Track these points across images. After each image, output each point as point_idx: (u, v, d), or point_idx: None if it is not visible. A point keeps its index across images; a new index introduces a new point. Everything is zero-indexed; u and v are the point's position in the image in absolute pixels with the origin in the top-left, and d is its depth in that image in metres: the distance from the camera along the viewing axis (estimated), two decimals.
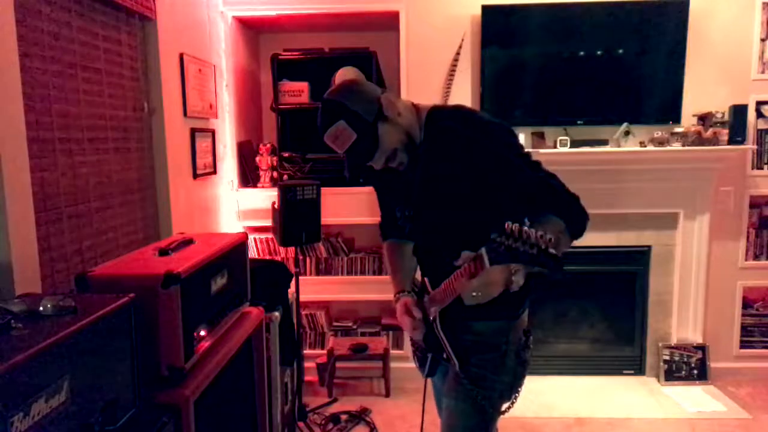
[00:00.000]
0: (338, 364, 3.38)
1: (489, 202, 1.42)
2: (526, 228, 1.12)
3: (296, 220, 2.81)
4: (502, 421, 1.63)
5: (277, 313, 2.43)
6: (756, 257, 3.45)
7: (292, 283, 2.90)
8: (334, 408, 3.18)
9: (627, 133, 3.17)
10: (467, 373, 1.57)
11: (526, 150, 1.50)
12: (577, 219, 1.40)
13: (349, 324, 3.64)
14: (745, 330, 3.51)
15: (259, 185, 3.48)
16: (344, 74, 3.36)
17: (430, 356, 1.72)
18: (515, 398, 1.61)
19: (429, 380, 1.81)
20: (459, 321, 1.56)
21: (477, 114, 1.52)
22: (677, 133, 3.17)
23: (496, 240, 1.16)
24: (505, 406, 1.61)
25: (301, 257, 3.45)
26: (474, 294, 1.33)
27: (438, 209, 1.51)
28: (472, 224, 1.36)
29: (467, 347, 1.57)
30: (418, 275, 1.74)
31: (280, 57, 3.45)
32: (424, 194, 1.54)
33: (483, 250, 1.22)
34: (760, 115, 3.30)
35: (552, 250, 1.11)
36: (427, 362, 1.74)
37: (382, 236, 1.84)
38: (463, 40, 3.28)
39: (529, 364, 1.62)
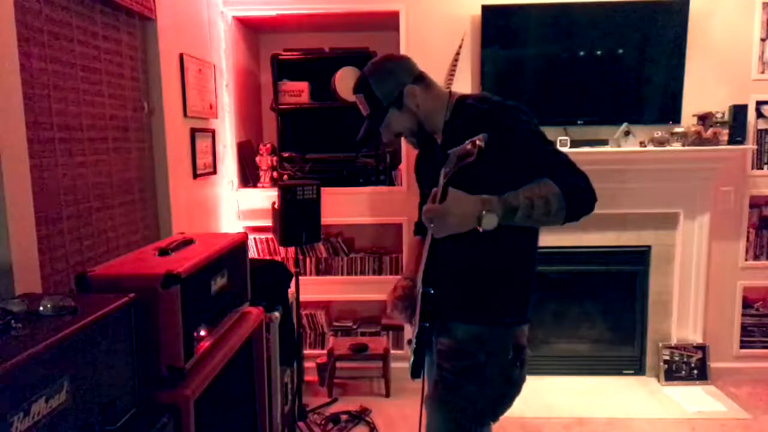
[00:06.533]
0: (338, 364, 3.38)
1: (499, 171, 1.42)
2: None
3: (296, 220, 2.81)
4: (502, 421, 1.61)
5: (277, 313, 2.43)
6: (756, 257, 3.44)
7: (292, 283, 2.90)
8: (334, 408, 3.18)
9: (627, 133, 3.17)
10: (443, 378, 1.54)
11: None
12: (577, 192, 1.39)
13: (349, 324, 3.64)
14: (745, 330, 3.51)
15: (259, 185, 3.48)
16: (344, 74, 3.37)
17: (412, 349, 1.67)
18: (498, 417, 1.56)
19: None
20: (438, 321, 1.54)
21: (495, 96, 1.58)
22: (677, 133, 3.17)
23: (449, 152, 1.32)
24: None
25: (301, 257, 3.45)
26: (434, 215, 1.34)
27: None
28: (480, 187, 1.38)
29: (444, 352, 1.55)
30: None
31: (280, 57, 3.45)
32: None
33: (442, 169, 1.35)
34: (760, 115, 3.30)
35: (480, 143, 1.26)
36: (411, 360, 1.73)
37: (415, 232, 1.88)
38: (463, 40, 3.28)
39: (518, 385, 1.55)
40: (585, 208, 1.41)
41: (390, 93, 1.55)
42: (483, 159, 1.27)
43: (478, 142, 1.26)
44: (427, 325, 1.53)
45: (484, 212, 1.32)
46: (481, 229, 1.33)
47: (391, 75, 1.58)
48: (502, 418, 1.59)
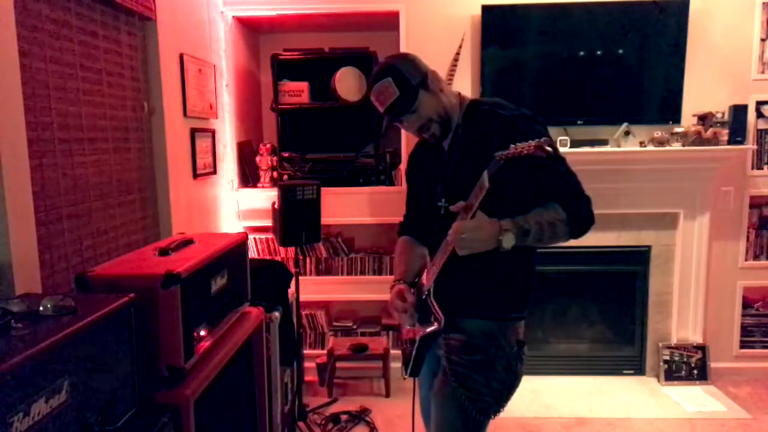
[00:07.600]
0: (338, 364, 3.38)
1: (512, 183, 1.46)
2: (529, 142, 1.26)
3: (296, 220, 2.81)
4: (502, 421, 1.63)
5: (277, 313, 2.43)
6: (756, 257, 3.45)
7: (292, 283, 2.90)
8: (334, 408, 3.18)
9: (627, 133, 3.18)
10: (454, 372, 1.58)
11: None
12: (581, 218, 1.49)
13: (349, 324, 3.64)
14: (745, 330, 3.51)
15: (259, 185, 3.48)
16: (344, 74, 3.37)
17: (414, 351, 1.72)
18: (501, 408, 1.61)
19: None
20: (449, 317, 1.58)
21: (513, 104, 1.60)
22: (677, 133, 3.17)
23: (497, 155, 1.31)
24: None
25: (301, 257, 3.45)
26: (464, 236, 1.38)
27: (469, 185, 1.49)
28: (494, 205, 1.41)
29: (456, 346, 1.59)
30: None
31: (280, 57, 3.45)
32: (459, 170, 1.57)
33: (484, 172, 1.35)
34: (760, 115, 3.30)
35: (548, 148, 1.24)
36: (411, 359, 1.74)
37: (400, 232, 1.90)
38: (463, 40, 3.28)
39: (519, 377, 1.62)
40: (586, 230, 1.52)
41: (418, 74, 1.54)
42: (508, 168, 1.32)
43: (545, 146, 1.24)
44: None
45: (503, 234, 1.40)
46: (501, 250, 1.41)
47: (412, 60, 1.59)
48: (501, 417, 1.62)
